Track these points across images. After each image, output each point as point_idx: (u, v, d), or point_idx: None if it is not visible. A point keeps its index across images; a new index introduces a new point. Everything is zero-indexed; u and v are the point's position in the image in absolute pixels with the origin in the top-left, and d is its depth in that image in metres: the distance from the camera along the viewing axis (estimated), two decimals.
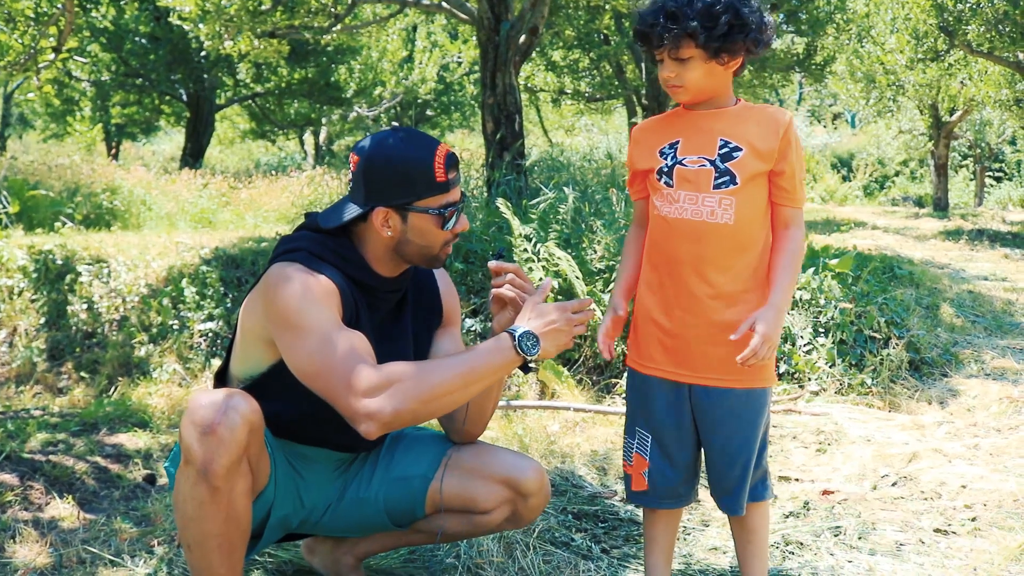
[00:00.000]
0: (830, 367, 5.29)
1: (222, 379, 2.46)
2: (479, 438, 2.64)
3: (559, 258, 5.52)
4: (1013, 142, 26.81)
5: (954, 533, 3.19)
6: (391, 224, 2.28)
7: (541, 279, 5.48)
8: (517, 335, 2.17)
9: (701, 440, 2.45)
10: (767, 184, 2.36)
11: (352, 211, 2.29)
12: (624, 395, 2.53)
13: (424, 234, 2.30)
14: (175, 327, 6.16)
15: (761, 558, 2.52)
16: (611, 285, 2.66)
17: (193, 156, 19.40)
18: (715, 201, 2.31)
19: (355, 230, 2.35)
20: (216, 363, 5.88)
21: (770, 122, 2.33)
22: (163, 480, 3.90)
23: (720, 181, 2.31)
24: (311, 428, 2.40)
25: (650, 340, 2.44)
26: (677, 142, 2.38)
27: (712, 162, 2.32)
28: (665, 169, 2.37)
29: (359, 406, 2.06)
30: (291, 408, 2.33)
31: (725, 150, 2.32)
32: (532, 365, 2.22)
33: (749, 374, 2.37)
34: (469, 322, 5.70)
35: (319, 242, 2.30)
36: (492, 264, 2.36)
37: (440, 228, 2.30)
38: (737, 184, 2.31)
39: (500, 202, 6.05)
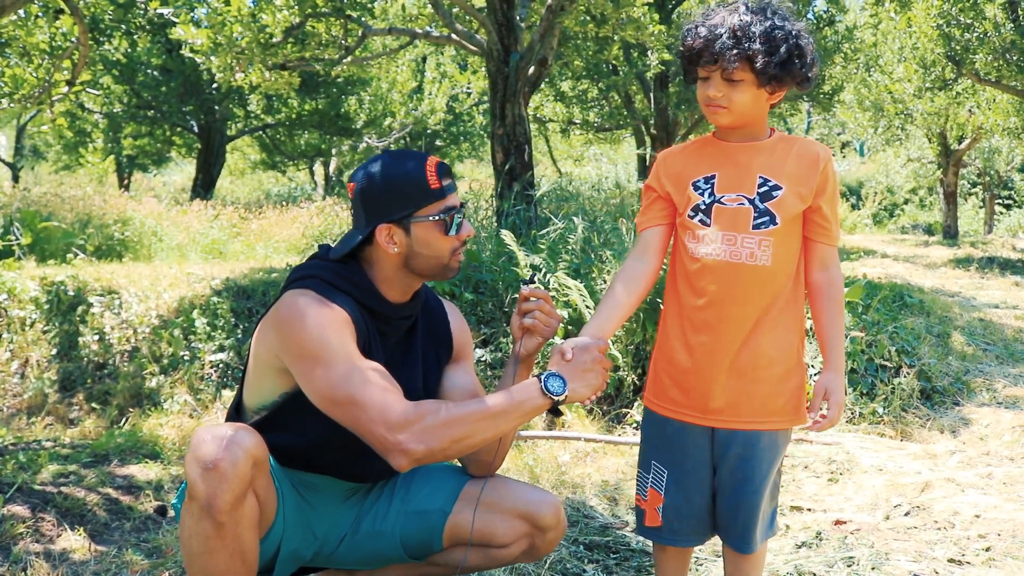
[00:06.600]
0: None
1: (237, 411, 2.46)
2: (497, 470, 2.62)
3: (569, 288, 5.53)
4: (1022, 170, 26.80)
5: (968, 563, 3.17)
6: (396, 240, 2.31)
7: None
8: (543, 378, 2.18)
9: (718, 478, 2.35)
10: (801, 221, 2.29)
11: (357, 236, 2.32)
12: (636, 425, 2.50)
13: (430, 243, 2.33)
14: (186, 358, 6.17)
15: None
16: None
17: (204, 187, 19.53)
18: (754, 243, 2.22)
19: (364, 255, 2.38)
20: (227, 394, 5.89)
21: (810, 158, 2.26)
22: (173, 513, 3.90)
23: (759, 221, 2.23)
24: (323, 457, 2.40)
25: (671, 381, 2.35)
26: (713, 176, 2.28)
27: (751, 201, 2.23)
28: (703, 206, 2.27)
29: (393, 439, 2.07)
30: (303, 437, 2.34)
31: (764, 188, 2.24)
32: (562, 408, 2.22)
33: (777, 416, 2.30)
34: (479, 352, 5.70)
35: (330, 270, 2.32)
36: (525, 290, 2.37)
37: (444, 234, 2.33)
38: (777, 224, 2.22)
39: (504, 234, 6.06)
